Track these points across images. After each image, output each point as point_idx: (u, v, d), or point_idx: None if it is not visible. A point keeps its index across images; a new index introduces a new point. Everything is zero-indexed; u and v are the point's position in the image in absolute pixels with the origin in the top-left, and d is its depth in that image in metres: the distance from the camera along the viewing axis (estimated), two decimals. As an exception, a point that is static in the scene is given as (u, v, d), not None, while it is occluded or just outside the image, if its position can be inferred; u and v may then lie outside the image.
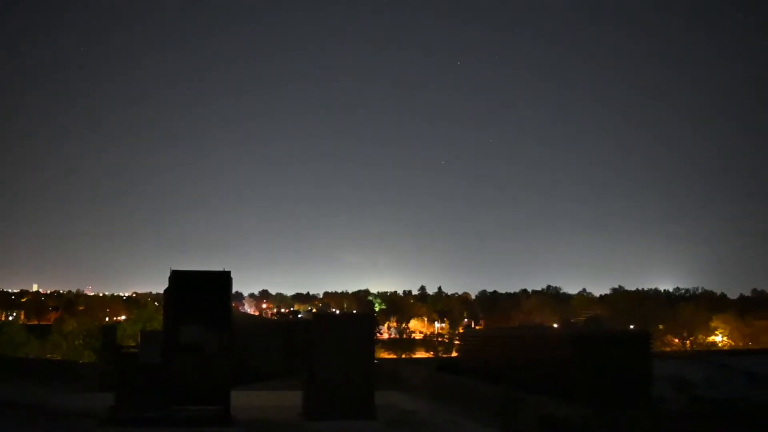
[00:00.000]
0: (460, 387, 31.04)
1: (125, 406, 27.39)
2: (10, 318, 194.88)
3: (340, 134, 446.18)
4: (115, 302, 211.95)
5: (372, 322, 32.38)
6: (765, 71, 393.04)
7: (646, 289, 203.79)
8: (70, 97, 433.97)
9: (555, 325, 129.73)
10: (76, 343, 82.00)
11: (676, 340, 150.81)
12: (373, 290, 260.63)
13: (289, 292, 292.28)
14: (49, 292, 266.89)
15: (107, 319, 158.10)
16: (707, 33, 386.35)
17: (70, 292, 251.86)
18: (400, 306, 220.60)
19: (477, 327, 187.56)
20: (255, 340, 30.34)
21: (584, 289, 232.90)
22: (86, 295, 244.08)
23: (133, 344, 37.31)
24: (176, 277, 28.60)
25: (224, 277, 28.98)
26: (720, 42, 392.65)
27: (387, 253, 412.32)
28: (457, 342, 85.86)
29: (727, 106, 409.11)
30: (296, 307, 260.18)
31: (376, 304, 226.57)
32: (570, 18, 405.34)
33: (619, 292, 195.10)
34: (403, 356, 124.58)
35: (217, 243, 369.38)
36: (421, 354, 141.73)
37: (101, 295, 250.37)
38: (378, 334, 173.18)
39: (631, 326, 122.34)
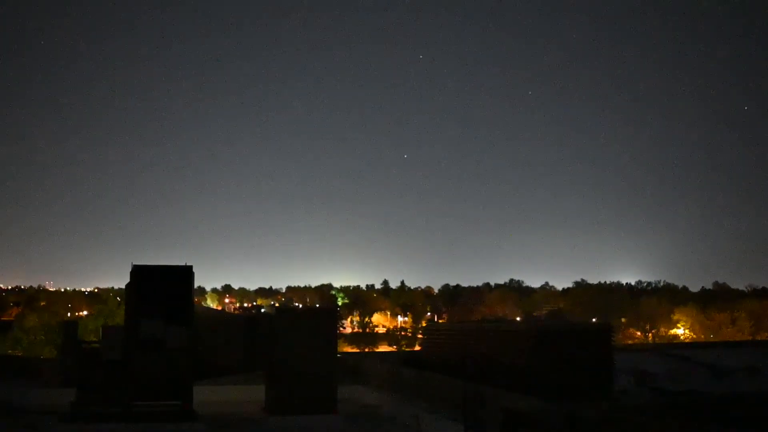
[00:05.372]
0: (423, 381, 31.07)
1: (86, 401, 27.25)
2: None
3: (304, 130, 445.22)
4: (76, 297, 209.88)
5: (334, 316, 32.46)
6: (723, 66, 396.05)
7: (608, 282, 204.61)
8: (30, 91, 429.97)
9: (518, 319, 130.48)
10: (38, 338, 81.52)
11: (639, 333, 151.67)
12: (336, 284, 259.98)
13: (252, 286, 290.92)
14: (9, 287, 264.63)
15: (69, 314, 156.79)
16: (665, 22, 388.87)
17: (31, 287, 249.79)
18: (363, 300, 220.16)
19: (440, 321, 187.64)
20: (217, 335, 30.24)
21: (547, 283, 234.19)
22: (47, 290, 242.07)
23: (94, 340, 37.07)
24: (138, 271, 28.47)
25: (186, 272, 28.88)
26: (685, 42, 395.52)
27: (350, 247, 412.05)
28: (420, 336, 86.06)
29: (687, 101, 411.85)
30: (259, 302, 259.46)
31: (339, 299, 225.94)
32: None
33: (581, 286, 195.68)
34: (367, 350, 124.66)
35: (179, 237, 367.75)
36: (384, 348, 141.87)
37: (63, 290, 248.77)
38: (341, 329, 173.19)
39: (594, 320, 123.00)
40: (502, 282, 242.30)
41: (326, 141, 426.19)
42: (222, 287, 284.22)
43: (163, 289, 28.43)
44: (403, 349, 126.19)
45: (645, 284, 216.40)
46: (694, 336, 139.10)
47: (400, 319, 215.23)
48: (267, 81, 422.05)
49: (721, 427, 18.68)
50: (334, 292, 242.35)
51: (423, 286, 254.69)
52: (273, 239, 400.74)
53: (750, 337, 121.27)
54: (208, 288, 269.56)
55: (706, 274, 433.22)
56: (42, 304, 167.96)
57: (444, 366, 33.27)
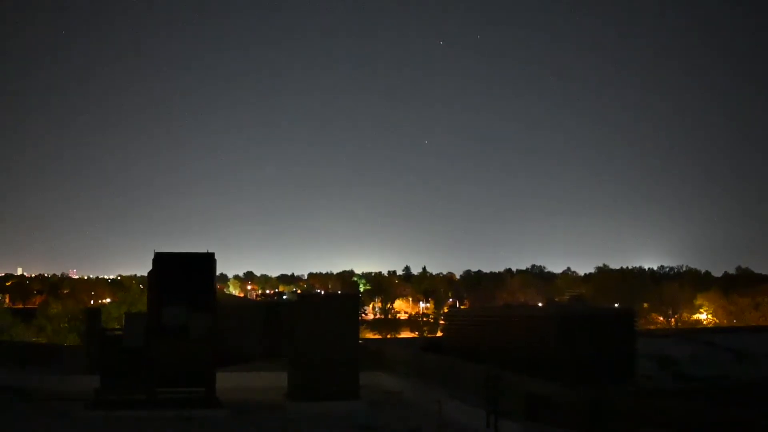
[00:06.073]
0: (445, 367, 31.07)
1: (110, 388, 27.38)
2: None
3: (325, 117, 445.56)
4: (99, 285, 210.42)
5: (356, 302, 32.42)
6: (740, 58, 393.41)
7: (630, 267, 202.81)
8: (54, 83, 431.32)
9: (539, 305, 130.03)
10: (61, 326, 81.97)
11: (661, 319, 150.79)
12: (358, 271, 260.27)
13: (274, 273, 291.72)
14: (33, 275, 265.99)
15: (92, 302, 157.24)
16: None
17: (54, 275, 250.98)
18: (384, 286, 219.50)
19: (462, 307, 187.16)
20: (240, 322, 30.33)
21: (569, 268, 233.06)
22: (71, 278, 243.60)
23: (117, 327, 37.20)
24: (160, 259, 28.56)
25: (208, 259, 28.94)
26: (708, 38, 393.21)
27: (372, 233, 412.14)
28: (442, 322, 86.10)
29: (707, 89, 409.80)
30: (281, 289, 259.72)
31: (361, 285, 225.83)
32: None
33: (603, 271, 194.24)
34: (388, 336, 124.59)
35: (201, 224, 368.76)
36: (406, 334, 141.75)
37: (86, 278, 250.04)
38: (363, 315, 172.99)
39: (616, 305, 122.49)
40: (524, 267, 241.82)
41: (347, 127, 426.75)
42: (244, 274, 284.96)
43: (186, 276, 28.51)
44: (425, 335, 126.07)
45: (667, 269, 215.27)
46: (717, 321, 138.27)
47: (421, 305, 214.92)
48: (288, 68, 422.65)
49: (744, 412, 18.61)
50: (355, 279, 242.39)
51: (445, 272, 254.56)
52: (295, 226, 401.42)
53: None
54: (230, 275, 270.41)
55: (729, 258, 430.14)
56: (65, 291, 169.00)
57: (466, 351, 33.25)
